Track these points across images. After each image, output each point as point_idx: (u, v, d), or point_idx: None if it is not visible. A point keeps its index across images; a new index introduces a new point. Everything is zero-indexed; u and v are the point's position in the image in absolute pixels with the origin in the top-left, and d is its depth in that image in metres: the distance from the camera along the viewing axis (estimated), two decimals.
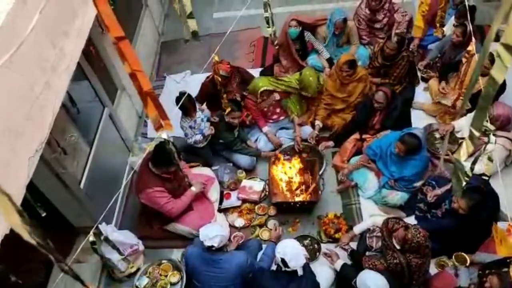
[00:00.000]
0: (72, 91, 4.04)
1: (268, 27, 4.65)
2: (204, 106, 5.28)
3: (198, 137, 4.88)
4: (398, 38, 5.08)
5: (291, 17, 5.54)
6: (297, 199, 4.68)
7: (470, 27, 4.90)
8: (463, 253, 3.98)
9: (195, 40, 4.25)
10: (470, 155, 2.21)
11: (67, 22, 2.35)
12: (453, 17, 5.60)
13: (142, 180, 4.24)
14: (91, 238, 2.47)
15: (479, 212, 3.80)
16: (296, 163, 4.88)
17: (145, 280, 4.24)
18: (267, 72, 5.82)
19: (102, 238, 3.87)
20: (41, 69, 2.13)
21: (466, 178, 1.82)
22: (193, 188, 4.41)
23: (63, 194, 3.95)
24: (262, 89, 5.12)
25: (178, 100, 4.23)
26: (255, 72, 5.90)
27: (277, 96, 5.21)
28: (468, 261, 3.92)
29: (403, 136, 4.34)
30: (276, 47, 5.34)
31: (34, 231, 1.19)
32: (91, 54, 4.30)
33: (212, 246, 3.65)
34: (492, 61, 4.49)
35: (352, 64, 4.97)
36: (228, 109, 4.77)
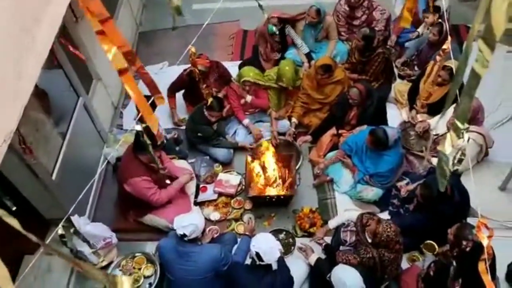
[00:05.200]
0: (45, 80, 3.93)
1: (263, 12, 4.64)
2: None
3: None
4: (366, 32, 5.14)
5: (272, 13, 5.52)
6: (273, 193, 4.68)
7: (446, 26, 4.98)
8: (432, 242, 4.09)
9: (179, 15, 4.11)
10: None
11: (39, 8, 2.28)
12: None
13: (129, 169, 4.22)
14: (60, 231, 2.42)
15: (441, 203, 3.90)
16: (270, 156, 4.87)
17: (118, 273, 4.18)
18: (250, 63, 5.73)
19: (72, 230, 3.81)
20: (11, 57, 2.07)
21: (449, 172, 1.87)
22: (181, 179, 4.48)
23: (34, 185, 3.86)
24: (243, 79, 5.11)
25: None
26: (234, 64, 5.90)
27: (248, 99, 5.21)
28: (436, 250, 4.02)
29: (373, 129, 4.43)
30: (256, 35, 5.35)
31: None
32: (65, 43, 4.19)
33: (185, 235, 3.63)
34: (451, 75, 4.61)
35: (327, 68, 4.98)
36: (210, 99, 4.73)
